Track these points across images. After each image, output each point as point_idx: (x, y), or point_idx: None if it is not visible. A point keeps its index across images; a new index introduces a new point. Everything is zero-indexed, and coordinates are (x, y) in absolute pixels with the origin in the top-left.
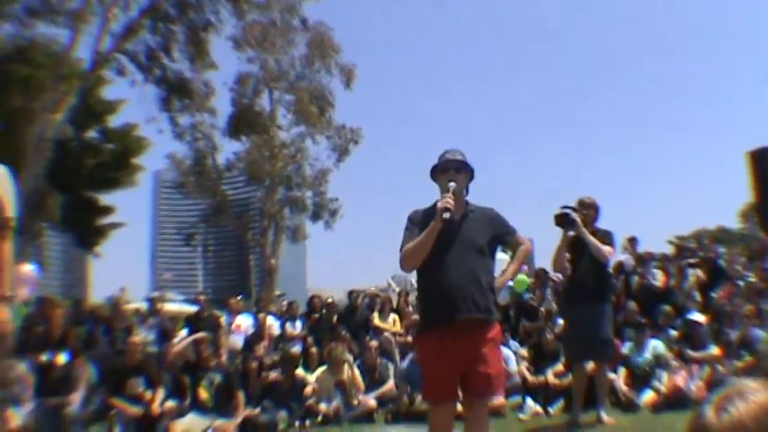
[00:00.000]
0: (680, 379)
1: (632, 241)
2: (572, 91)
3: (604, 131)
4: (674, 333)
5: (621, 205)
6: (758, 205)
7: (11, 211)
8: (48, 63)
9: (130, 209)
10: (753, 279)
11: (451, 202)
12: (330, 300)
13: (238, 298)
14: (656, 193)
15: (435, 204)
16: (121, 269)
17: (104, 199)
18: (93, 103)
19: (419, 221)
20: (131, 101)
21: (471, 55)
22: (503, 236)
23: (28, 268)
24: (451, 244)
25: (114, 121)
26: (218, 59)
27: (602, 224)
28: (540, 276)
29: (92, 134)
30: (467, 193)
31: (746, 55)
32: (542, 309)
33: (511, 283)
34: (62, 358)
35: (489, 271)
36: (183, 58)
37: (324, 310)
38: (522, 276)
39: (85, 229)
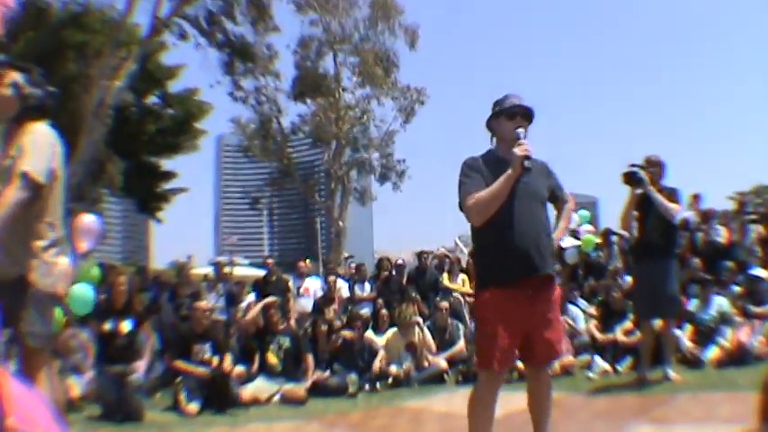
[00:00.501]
0: (743, 335)
1: (696, 198)
2: (636, 55)
3: (670, 92)
4: (737, 289)
5: (683, 162)
6: None
7: (27, 164)
8: (103, 29)
9: (193, 174)
10: None
11: (529, 149)
12: (400, 261)
13: (307, 260)
14: (714, 151)
15: (490, 152)
16: (184, 234)
17: (166, 164)
18: (152, 68)
19: (479, 169)
20: (192, 66)
21: (536, 12)
22: (555, 189)
23: (89, 219)
24: (519, 194)
25: (174, 87)
26: (281, 23)
27: (667, 182)
28: (607, 235)
29: (152, 100)
30: None
31: None
32: (610, 267)
33: (578, 243)
34: (126, 326)
35: (548, 224)
36: (244, 21)
37: (393, 272)
38: (589, 236)
39: (147, 194)
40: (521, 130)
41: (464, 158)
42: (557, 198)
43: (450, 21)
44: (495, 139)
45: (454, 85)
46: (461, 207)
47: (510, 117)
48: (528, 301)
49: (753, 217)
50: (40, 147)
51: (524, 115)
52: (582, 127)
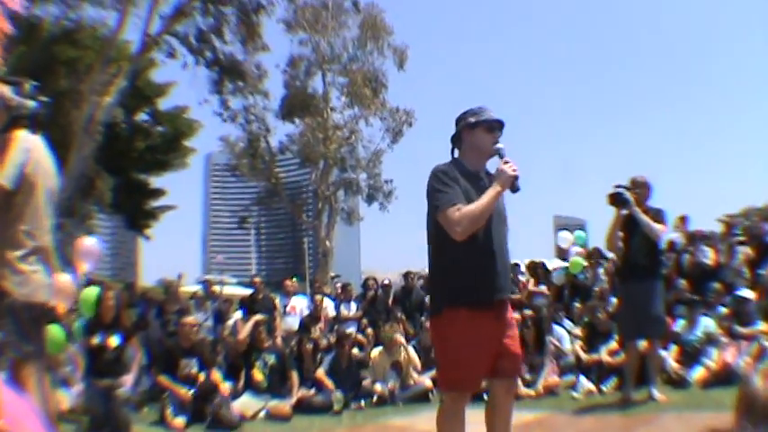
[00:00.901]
0: (729, 355)
1: (683, 219)
2: (624, 75)
3: (657, 113)
4: (723, 310)
5: (672, 184)
6: None
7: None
8: (95, 45)
9: (182, 191)
10: None
11: (518, 168)
12: (386, 281)
13: (293, 279)
14: (704, 173)
15: (459, 162)
16: (173, 252)
17: (155, 182)
18: (142, 85)
19: (457, 180)
20: (181, 83)
21: (524, 33)
22: None
23: (90, 241)
24: (493, 214)
25: (164, 104)
26: (270, 42)
27: (656, 203)
28: (594, 256)
29: (142, 117)
30: None
31: None
32: (596, 288)
33: (566, 264)
34: (114, 341)
35: None
36: (234, 40)
37: (379, 291)
38: (577, 258)
39: (136, 211)
40: (502, 146)
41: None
42: None
43: (439, 41)
44: (459, 151)
45: (442, 105)
46: (438, 215)
47: (489, 130)
48: (494, 321)
49: (741, 238)
50: (11, 152)
51: (501, 130)
52: (569, 148)
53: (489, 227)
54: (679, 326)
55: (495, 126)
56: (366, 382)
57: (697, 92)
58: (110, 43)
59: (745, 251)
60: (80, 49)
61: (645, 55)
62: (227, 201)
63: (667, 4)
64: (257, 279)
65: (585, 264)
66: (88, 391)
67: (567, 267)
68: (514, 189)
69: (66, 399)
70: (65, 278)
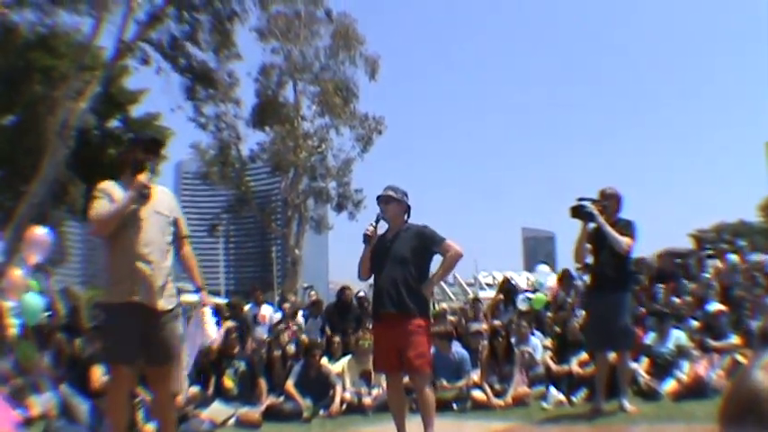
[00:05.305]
0: (701, 368)
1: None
2: (596, 85)
3: (629, 128)
4: (695, 323)
5: (644, 201)
6: None
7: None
8: (69, 52)
9: None
10: None
11: (371, 229)
12: (361, 293)
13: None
14: (677, 189)
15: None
16: None
17: None
18: (115, 92)
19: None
20: (154, 90)
21: (494, 44)
22: (429, 246)
23: (40, 231)
24: (385, 257)
25: (136, 111)
26: (243, 50)
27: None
28: (565, 278)
29: (114, 124)
30: (408, 217)
31: (762, 51)
32: (569, 299)
33: (531, 296)
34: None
35: (412, 275)
36: (207, 47)
37: (354, 302)
38: (540, 295)
39: None
40: (380, 213)
41: (422, 192)
42: (435, 251)
43: (410, 51)
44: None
45: (412, 115)
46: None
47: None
48: (389, 330)
49: (711, 252)
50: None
51: (386, 202)
52: (541, 161)
53: (381, 266)
54: (650, 338)
55: (378, 201)
56: (339, 397)
57: (670, 105)
58: (84, 50)
59: (714, 264)
60: (56, 57)
61: (617, 65)
62: (197, 209)
63: (640, 15)
64: (221, 290)
65: (547, 299)
66: (59, 398)
67: (530, 300)
68: (367, 242)
69: (37, 404)
70: (17, 272)
